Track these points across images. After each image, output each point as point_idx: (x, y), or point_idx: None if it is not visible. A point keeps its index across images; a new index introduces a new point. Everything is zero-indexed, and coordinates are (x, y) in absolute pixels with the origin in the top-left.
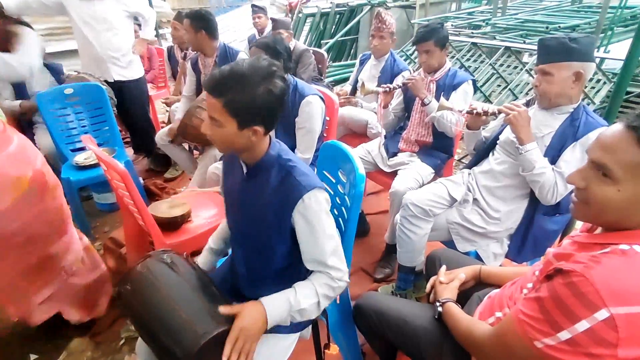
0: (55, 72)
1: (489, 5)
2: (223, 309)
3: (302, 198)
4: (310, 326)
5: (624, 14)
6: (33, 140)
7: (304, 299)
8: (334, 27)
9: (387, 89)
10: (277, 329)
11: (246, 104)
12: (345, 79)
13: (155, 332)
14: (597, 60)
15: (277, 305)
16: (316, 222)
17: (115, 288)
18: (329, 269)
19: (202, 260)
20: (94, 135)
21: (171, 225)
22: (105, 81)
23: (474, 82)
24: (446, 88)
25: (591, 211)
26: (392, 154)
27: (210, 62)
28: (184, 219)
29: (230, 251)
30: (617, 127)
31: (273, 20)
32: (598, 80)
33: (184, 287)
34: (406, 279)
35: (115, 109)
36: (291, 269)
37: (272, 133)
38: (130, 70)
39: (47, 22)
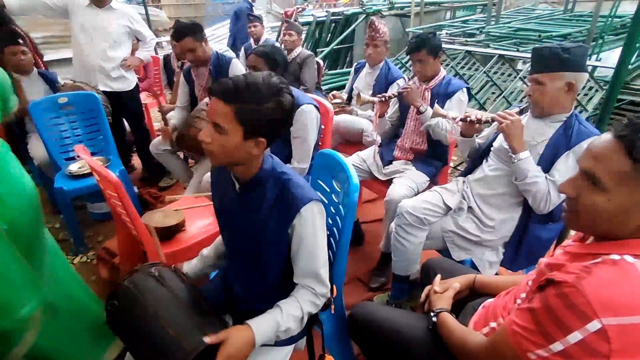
0: (50, 80)
1: (483, 13)
2: (209, 339)
3: (299, 211)
4: (304, 337)
5: (614, 23)
6: (26, 149)
7: (290, 319)
8: (329, 35)
9: (383, 98)
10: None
11: (257, 114)
12: (341, 87)
13: (143, 349)
14: (589, 68)
15: (264, 328)
16: (312, 234)
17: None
18: (317, 280)
19: (191, 267)
20: (89, 144)
21: (165, 234)
22: (103, 91)
23: (469, 89)
24: (440, 96)
25: (582, 220)
26: (387, 162)
27: (204, 71)
28: (178, 228)
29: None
30: (607, 136)
31: (287, 21)
32: (590, 88)
33: (171, 302)
34: (401, 288)
35: (110, 118)
36: (285, 283)
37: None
38: (121, 82)
39: (44, 31)
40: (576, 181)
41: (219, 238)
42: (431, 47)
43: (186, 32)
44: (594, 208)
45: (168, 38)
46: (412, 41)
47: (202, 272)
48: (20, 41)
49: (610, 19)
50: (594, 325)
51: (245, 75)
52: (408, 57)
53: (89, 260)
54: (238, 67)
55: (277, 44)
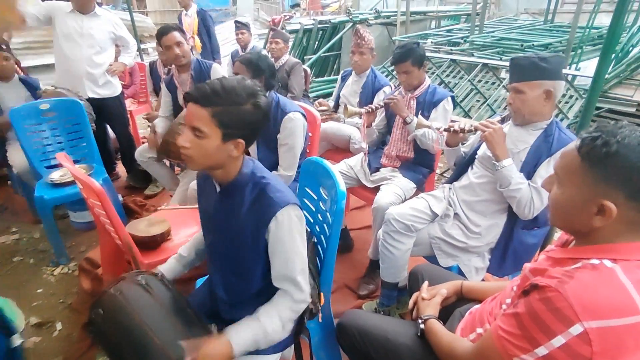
0: (31, 86)
1: (467, 23)
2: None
3: (275, 215)
4: (292, 346)
5: (592, 34)
6: (5, 157)
7: (269, 329)
8: (316, 43)
9: (370, 109)
10: (258, 350)
11: (235, 115)
12: (328, 94)
13: (128, 358)
14: (569, 77)
15: (243, 338)
16: (288, 238)
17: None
18: (295, 286)
19: (167, 267)
20: (71, 151)
21: (150, 244)
22: (90, 98)
23: (453, 98)
24: (426, 104)
25: (550, 214)
26: (375, 169)
27: (186, 78)
28: (163, 237)
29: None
30: (576, 140)
31: (273, 29)
32: (571, 96)
33: (158, 311)
34: (389, 295)
35: (93, 125)
36: (269, 289)
37: (253, 149)
38: (107, 88)
39: (25, 36)
40: (551, 178)
41: (197, 235)
42: (415, 57)
43: (173, 27)
44: (554, 200)
45: (154, 44)
46: (396, 52)
47: (179, 272)
48: (3, 47)
49: (587, 30)
50: (577, 329)
51: (220, 79)
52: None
53: (70, 272)
54: (219, 72)
55: (265, 52)
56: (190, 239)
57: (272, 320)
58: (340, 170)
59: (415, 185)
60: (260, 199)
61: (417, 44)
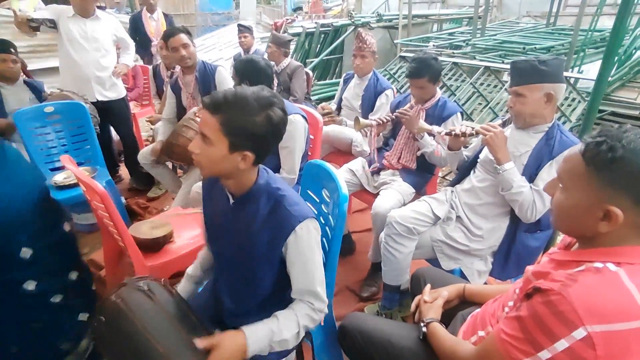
0: (36, 89)
1: (469, 26)
2: (200, 342)
3: (294, 229)
4: (294, 350)
5: (594, 37)
6: None
7: (285, 329)
8: (318, 46)
9: (381, 121)
10: (261, 356)
11: (243, 125)
12: (330, 98)
13: None
14: (572, 80)
15: (259, 336)
16: (308, 252)
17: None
18: (315, 297)
19: (181, 288)
20: (75, 154)
21: (153, 246)
22: (98, 100)
23: (462, 112)
24: (435, 117)
25: (554, 218)
26: (377, 171)
27: (190, 79)
28: (165, 240)
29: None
30: (580, 144)
31: (273, 34)
32: (573, 99)
33: (160, 318)
34: (391, 298)
35: (97, 127)
36: (276, 297)
37: None
38: (113, 91)
39: (30, 40)
40: (553, 182)
41: (201, 252)
42: (432, 74)
43: (180, 29)
44: (558, 205)
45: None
46: (412, 65)
47: (193, 291)
48: (12, 50)
49: (590, 33)
50: (580, 333)
51: (238, 87)
52: (397, 67)
53: None
54: (223, 75)
55: (267, 55)
56: (192, 241)
57: (290, 323)
58: (343, 176)
59: (414, 190)
60: (276, 211)
61: (434, 59)
